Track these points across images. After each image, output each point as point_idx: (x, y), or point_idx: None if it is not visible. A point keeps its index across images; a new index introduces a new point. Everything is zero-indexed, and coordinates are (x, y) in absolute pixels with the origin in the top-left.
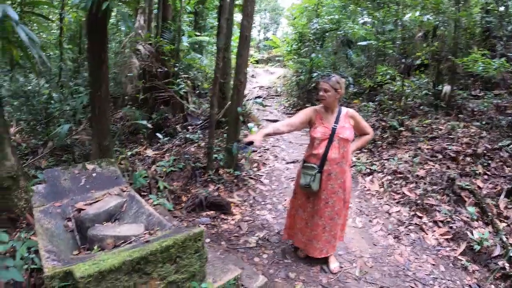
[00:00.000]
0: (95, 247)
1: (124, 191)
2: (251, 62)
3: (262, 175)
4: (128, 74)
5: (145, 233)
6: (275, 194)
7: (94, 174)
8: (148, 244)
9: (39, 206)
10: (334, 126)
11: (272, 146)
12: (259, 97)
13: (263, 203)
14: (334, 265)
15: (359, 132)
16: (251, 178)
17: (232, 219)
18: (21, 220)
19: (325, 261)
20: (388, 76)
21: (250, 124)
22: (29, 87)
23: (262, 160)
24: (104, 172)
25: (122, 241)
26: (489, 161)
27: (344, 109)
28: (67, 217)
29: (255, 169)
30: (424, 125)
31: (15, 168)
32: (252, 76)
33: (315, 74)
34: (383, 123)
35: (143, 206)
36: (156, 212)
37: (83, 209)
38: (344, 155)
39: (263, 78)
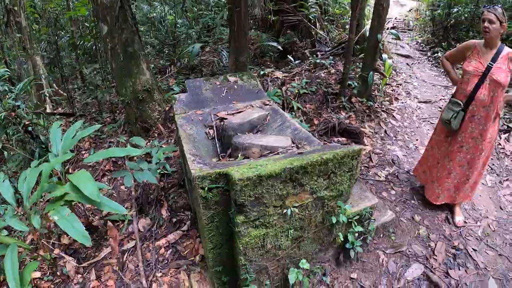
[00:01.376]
0: (240, 155)
1: (266, 105)
2: None
3: (394, 110)
4: None
5: (292, 146)
6: (407, 131)
7: (235, 86)
8: (307, 155)
9: (182, 113)
10: (490, 64)
11: (405, 82)
12: (394, 27)
13: (394, 138)
14: (459, 218)
15: None
16: (384, 111)
17: (364, 150)
18: (153, 130)
19: (451, 211)
20: None
21: (384, 55)
22: (154, 14)
23: (394, 95)
24: (245, 85)
25: (269, 152)
26: None
27: (506, 49)
28: (209, 125)
29: (387, 102)
30: None
31: (150, 82)
32: None
33: (455, 10)
34: None
35: (287, 120)
36: (302, 128)
37: (225, 118)
38: (493, 100)
39: (393, 10)
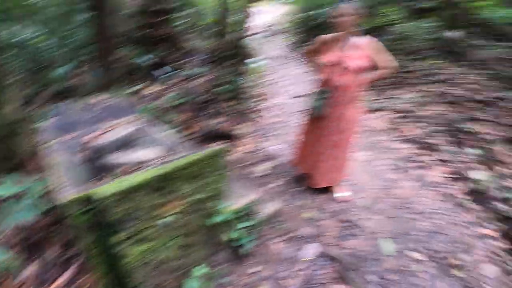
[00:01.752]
0: (112, 175)
1: (136, 120)
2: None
3: (267, 108)
4: (124, 12)
5: (164, 156)
6: (282, 126)
7: (105, 105)
8: (172, 162)
9: (50, 140)
10: (345, 53)
11: (277, 81)
12: (262, 32)
13: (270, 134)
14: (342, 194)
15: (377, 64)
16: (257, 110)
17: (241, 150)
18: (28, 163)
19: (334, 190)
20: (392, 17)
21: (254, 58)
22: (18, 38)
23: (267, 94)
24: (115, 102)
25: (141, 166)
26: (493, 110)
27: (361, 38)
28: (80, 149)
29: (260, 102)
30: (430, 68)
31: (18, 112)
32: (256, 13)
33: (321, 11)
34: None
35: (158, 132)
36: (173, 138)
37: (95, 140)
38: (352, 85)
39: (268, 15)
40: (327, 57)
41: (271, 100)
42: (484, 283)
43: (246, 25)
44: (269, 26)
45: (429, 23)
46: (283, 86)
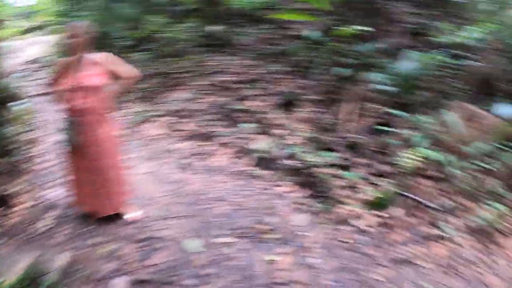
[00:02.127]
0: None
1: None
2: (16, 33)
3: (42, 153)
4: None
5: None
6: (59, 168)
7: None
8: None
9: None
10: (82, 73)
11: (48, 119)
12: (28, 67)
13: (48, 181)
14: (132, 214)
15: (117, 76)
16: (30, 158)
17: (18, 210)
18: None
19: (123, 213)
20: (157, 24)
21: (14, 103)
22: None
23: (39, 137)
24: None
25: None
26: (260, 84)
27: (93, 55)
28: None
29: (33, 148)
30: (199, 64)
31: None
32: (20, 47)
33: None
34: (158, 70)
35: None
36: None
37: None
38: (96, 104)
39: (35, 47)
40: (65, 82)
41: (44, 142)
42: (300, 231)
43: (4, 63)
44: (36, 59)
45: (192, 24)
46: (55, 123)
